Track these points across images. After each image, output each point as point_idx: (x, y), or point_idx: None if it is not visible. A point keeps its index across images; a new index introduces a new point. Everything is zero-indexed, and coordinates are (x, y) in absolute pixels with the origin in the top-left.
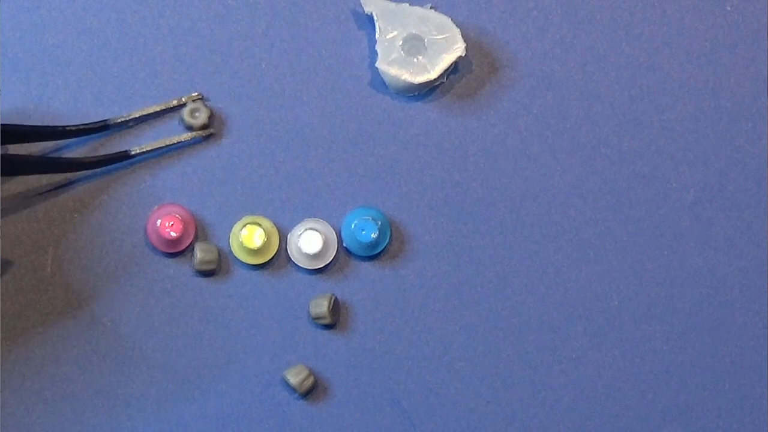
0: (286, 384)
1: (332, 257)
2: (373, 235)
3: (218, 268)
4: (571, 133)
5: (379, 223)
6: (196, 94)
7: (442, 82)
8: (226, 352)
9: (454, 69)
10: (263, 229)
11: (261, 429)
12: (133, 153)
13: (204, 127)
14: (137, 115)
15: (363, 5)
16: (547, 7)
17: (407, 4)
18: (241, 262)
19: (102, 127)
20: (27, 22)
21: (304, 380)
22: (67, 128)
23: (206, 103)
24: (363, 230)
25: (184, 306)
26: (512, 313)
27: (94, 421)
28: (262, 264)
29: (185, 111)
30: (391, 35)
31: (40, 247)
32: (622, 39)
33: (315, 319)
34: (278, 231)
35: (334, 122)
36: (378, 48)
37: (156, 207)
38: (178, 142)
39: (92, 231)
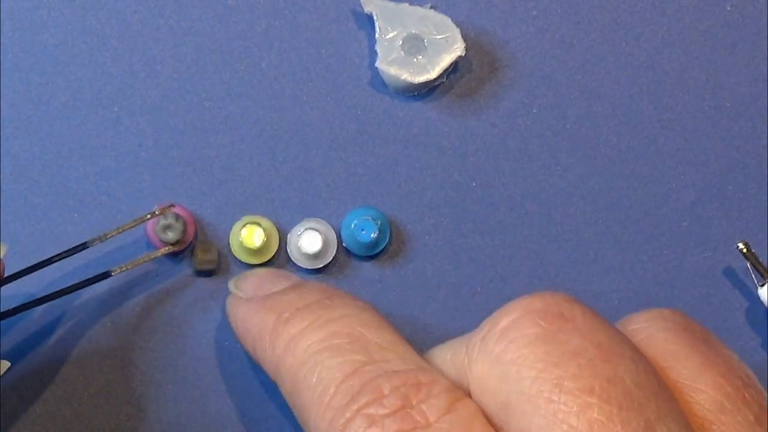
0: None
1: (332, 257)
2: (373, 235)
3: (218, 268)
4: (571, 133)
5: (379, 223)
6: (168, 205)
7: (442, 82)
8: (227, 352)
9: (454, 69)
10: (263, 229)
11: (261, 429)
12: (113, 273)
13: (177, 242)
14: (114, 233)
15: (363, 5)
16: (547, 7)
17: (407, 4)
18: (241, 262)
19: (82, 248)
20: (27, 22)
21: None
22: (52, 259)
23: (178, 214)
24: (363, 230)
25: (184, 306)
26: None
27: (94, 421)
28: (262, 264)
29: (158, 228)
30: (390, 35)
31: (39, 246)
32: (622, 39)
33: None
34: (278, 231)
35: (334, 122)
36: (378, 48)
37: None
38: (155, 257)
39: (92, 231)
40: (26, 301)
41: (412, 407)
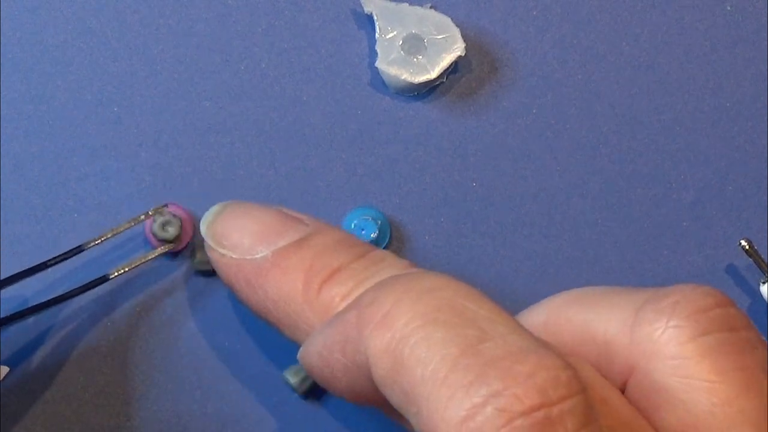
0: (286, 383)
1: None
2: (373, 235)
3: None
4: (571, 133)
5: (379, 223)
6: (162, 205)
7: (442, 82)
8: (226, 352)
9: (454, 69)
10: None
11: (260, 429)
12: (111, 276)
13: (175, 240)
14: (110, 235)
15: (363, 5)
16: (547, 7)
17: (407, 4)
18: None
19: (78, 251)
20: (27, 22)
21: (304, 380)
22: (48, 263)
23: (174, 213)
24: (363, 230)
25: (184, 306)
26: (513, 313)
27: (94, 421)
28: None
29: (156, 226)
30: (390, 35)
31: (39, 246)
32: (622, 39)
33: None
34: None
35: (334, 122)
36: (378, 48)
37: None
38: (153, 258)
39: (91, 231)
40: (23, 307)
41: (552, 405)
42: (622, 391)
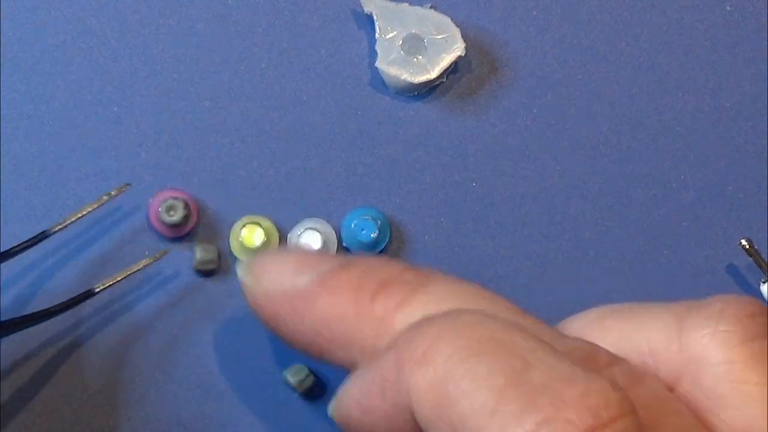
0: (286, 383)
1: None
2: (373, 235)
3: (218, 268)
4: (571, 133)
5: (379, 222)
6: (124, 185)
7: (442, 82)
8: (227, 352)
9: (454, 69)
10: (263, 229)
11: (260, 428)
12: (97, 290)
13: (184, 220)
14: (73, 219)
15: (363, 5)
16: (547, 7)
17: (407, 4)
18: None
19: (42, 238)
20: (27, 22)
21: (303, 379)
22: (11, 250)
23: (175, 196)
24: (363, 230)
25: (184, 305)
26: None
27: (94, 421)
28: None
29: (162, 213)
30: (390, 35)
31: (39, 246)
32: (622, 39)
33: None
34: (278, 231)
35: (334, 122)
36: (378, 48)
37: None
38: (137, 270)
39: (91, 230)
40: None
41: (605, 426)
42: None
